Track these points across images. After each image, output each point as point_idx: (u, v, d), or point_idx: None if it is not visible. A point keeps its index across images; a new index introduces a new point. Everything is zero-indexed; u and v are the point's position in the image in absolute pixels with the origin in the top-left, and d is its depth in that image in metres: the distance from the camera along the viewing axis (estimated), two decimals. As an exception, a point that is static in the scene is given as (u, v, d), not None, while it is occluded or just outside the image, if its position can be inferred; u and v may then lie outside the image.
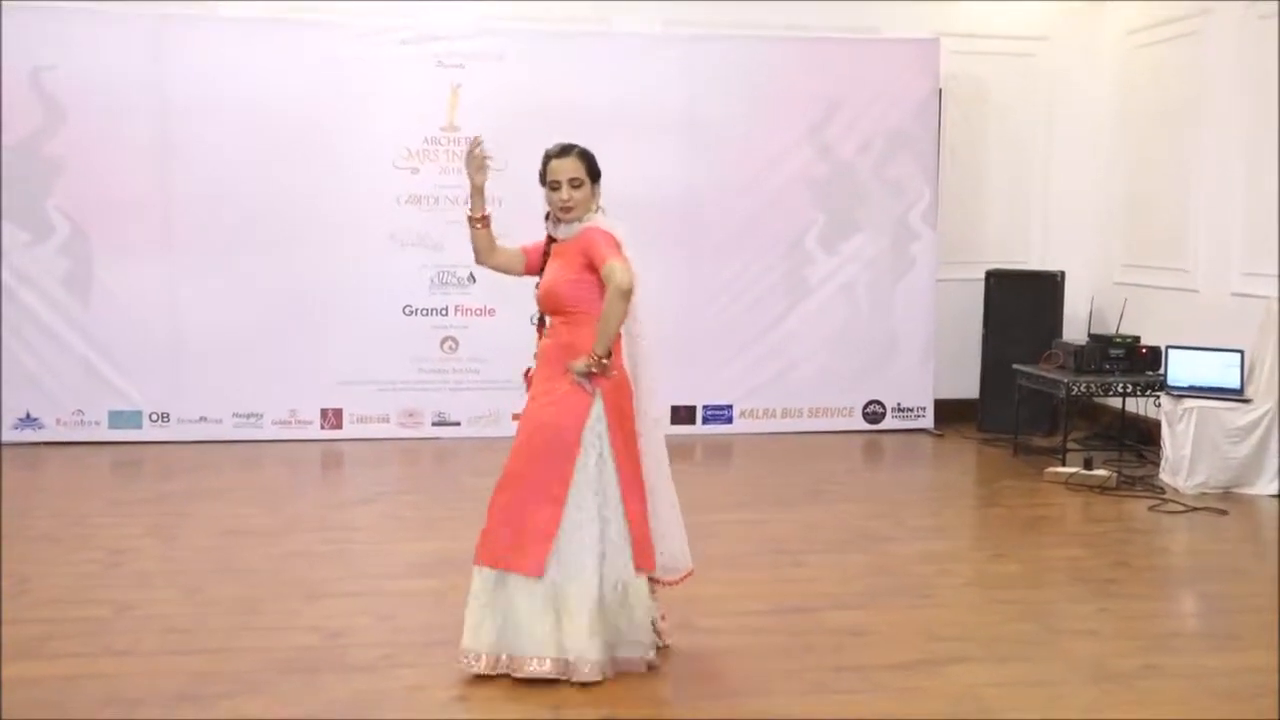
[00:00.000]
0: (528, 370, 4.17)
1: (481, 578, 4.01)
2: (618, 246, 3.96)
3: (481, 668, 3.96)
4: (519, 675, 3.94)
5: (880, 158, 8.47)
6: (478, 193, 4.19)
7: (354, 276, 7.98)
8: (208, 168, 7.81)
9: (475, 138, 4.16)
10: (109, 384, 7.84)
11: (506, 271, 4.28)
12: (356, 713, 3.74)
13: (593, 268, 3.95)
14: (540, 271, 4.17)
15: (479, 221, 4.20)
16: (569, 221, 4.06)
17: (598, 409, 3.99)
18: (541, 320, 4.19)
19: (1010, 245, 9.05)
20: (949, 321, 8.78)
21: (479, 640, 3.98)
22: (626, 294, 3.86)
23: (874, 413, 8.67)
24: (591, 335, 3.95)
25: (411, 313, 8.11)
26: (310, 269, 7.94)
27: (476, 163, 4.13)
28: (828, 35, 8.48)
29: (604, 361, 3.92)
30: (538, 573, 3.95)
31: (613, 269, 3.86)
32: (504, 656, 3.99)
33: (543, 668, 3.93)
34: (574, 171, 4.01)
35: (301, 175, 7.89)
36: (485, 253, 4.23)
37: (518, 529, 3.97)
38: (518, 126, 7.50)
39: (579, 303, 4.02)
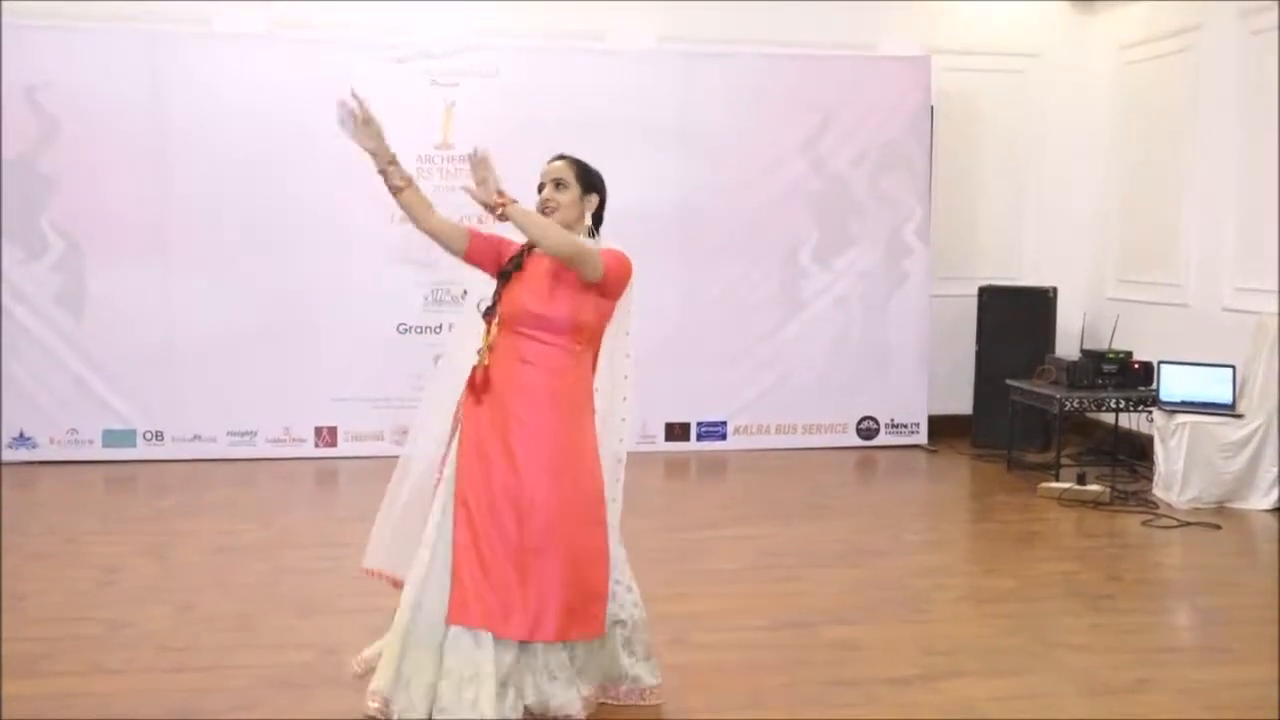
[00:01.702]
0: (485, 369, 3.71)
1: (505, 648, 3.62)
2: (620, 278, 3.73)
3: None
4: None
5: (873, 173, 8.50)
6: (378, 156, 3.71)
7: (348, 294, 7.99)
8: (201, 185, 7.81)
9: (342, 101, 3.62)
10: (103, 403, 7.82)
11: (443, 242, 3.84)
12: (352, 729, 3.73)
13: (604, 293, 3.71)
14: (499, 273, 3.81)
15: (400, 187, 3.74)
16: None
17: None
18: (490, 312, 3.76)
19: (1003, 261, 9.08)
20: (942, 337, 8.81)
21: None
22: (572, 250, 3.59)
23: (868, 428, 8.68)
24: (592, 369, 3.77)
25: (405, 330, 8.12)
26: (304, 287, 7.94)
27: (365, 126, 3.65)
28: (821, 52, 8.53)
29: (500, 207, 3.57)
30: (603, 632, 3.74)
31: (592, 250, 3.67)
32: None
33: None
34: (560, 173, 3.81)
35: (295, 193, 7.89)
36: (422, 215, 3.80)
37: (578, 592, 3.66)
38: (512, 142, 7.48)
39: (595, 335, 3.78)
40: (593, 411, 3.80)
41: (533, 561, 3.62)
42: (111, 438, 7.86)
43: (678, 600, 4.62)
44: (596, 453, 3.77)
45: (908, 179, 8.54)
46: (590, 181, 3.87)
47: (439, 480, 3.78)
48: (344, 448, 8.08)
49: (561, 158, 3.88)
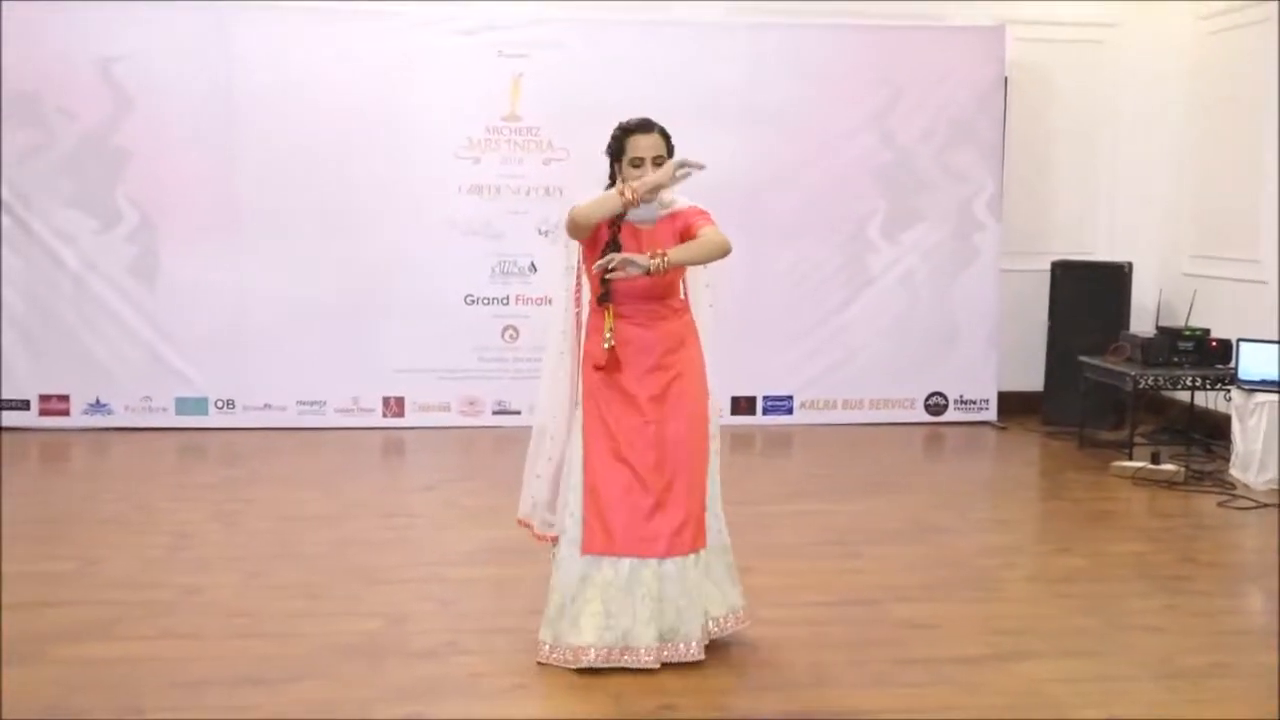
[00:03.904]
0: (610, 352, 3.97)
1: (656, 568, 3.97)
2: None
3: (650, 660, 3.93)
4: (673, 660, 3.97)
5: (944, 146, 8.39)
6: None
7: (416, 265, 8.02)
8: (271, 157, 7.87)
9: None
10: (176, 371, 7.93)
11: (580, 235, 3.99)
12: (419, 699, 3.75)
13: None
14: (598, 246, 3.95)
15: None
16: (647, 201, 3.88)
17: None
18: (604, 298, 3.98)
19: (1077, 236, 8.92)
20: (1013, 312, 8.67)
21: (646, 634, 3.93)
22: (725, 251, 3.89)
23: (936, 404, 8.59)
24: (689, 325, 4.10)
25: (473, 301, 8.15)
26: (372, 258, 7.99)
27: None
28: (891, 22, 8.41)
29: (660, 268, 3.77)
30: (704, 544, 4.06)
31: (719, 231, 3.94)
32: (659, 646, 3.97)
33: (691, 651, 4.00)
34: (658, 149, 3.93)
35: (364, 164, 7.94)
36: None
37: (686, 512, 3.99)
38: (579, 115, 7.55)
39: (676, 290, 4.10)
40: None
41: (672, 484, 3.98)
42: (184, 405, 7.97)
43: (742, 575, 4.58)
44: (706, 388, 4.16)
45: (979, 152, 8.41)
46: (673, 148, 4.01)
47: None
48: (411, 418, 8.14)
49: (651, 127, 3.97)
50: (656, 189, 3.84)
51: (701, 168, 3.80)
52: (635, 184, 3.82)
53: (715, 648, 4.12)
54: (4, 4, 7.58)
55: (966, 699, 3.82)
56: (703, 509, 4.04)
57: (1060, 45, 8.73)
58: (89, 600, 4.60)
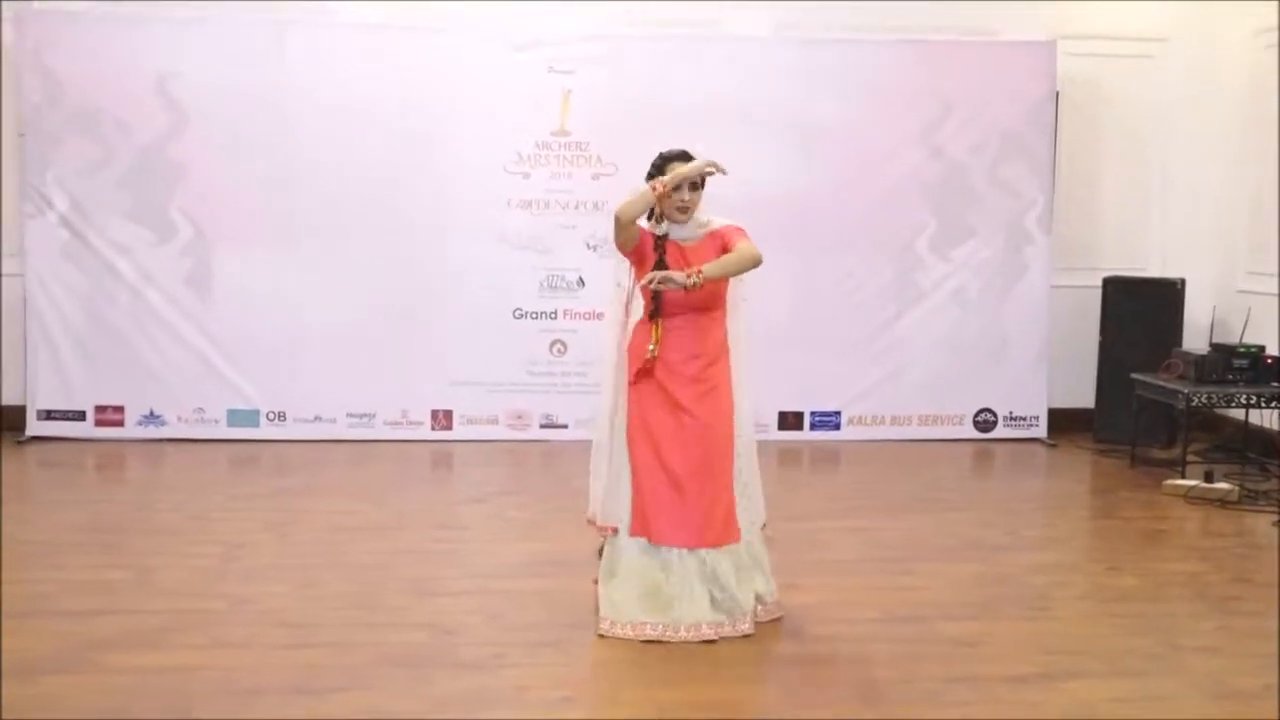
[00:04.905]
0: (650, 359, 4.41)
1: (695, 558, 4.41)
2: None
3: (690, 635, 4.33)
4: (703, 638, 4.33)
5: (994, 161, 8.34)
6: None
7: (465, 280, 8.07)
8: (322, 171, 7.95)
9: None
10: (228, 383, 8.02)
11: (626, 239, 4.39)
12: (467, 710, 3.77)
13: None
14: (646, 266, 4.40)
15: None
16: (683, 222, 4.41)
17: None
18: (655, 313, 4.40)
19: (1128, 252, 8.83)
20: (1064, 329, 8.60)
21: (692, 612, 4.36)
22: (756, 262, 4.29)
23: (985, 421, 8.52)
24: (723, 343, 4.48)
25: (521, 316, 8.18)
26: (422, 272, 8.06)
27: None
28: (942, 38, 8.38)
29: (697, 283, 4.21)
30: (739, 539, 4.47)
31: (752, 245, 4.34)
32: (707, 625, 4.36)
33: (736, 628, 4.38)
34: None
35: (414, 179, 8.00)
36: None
37: (718, 508, 4.41)
38: (628, 130, 7.58)
39: (720, 302, 4.47)
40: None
41: (703, 482, 4.42)
42: (236, 417, 8.05)
43: (791, 591, 4.59)
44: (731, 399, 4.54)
45: (1029, 167, 8.36)
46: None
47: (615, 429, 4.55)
48: (459, 431, 8.18)
49: (689, 157, 4.40)
50: (684, 179, 4.30)
51: (724, 173, 4.29)
52: (664, 178, 4.31)
53: (762, 662, 4.12)
54: (66, 19, 7.73)
55: (1016, 718, 3.78)
56: (731, 505, 4.44)
57: (1112, 60, 8.67)
58: (141, 609, 4.65)
